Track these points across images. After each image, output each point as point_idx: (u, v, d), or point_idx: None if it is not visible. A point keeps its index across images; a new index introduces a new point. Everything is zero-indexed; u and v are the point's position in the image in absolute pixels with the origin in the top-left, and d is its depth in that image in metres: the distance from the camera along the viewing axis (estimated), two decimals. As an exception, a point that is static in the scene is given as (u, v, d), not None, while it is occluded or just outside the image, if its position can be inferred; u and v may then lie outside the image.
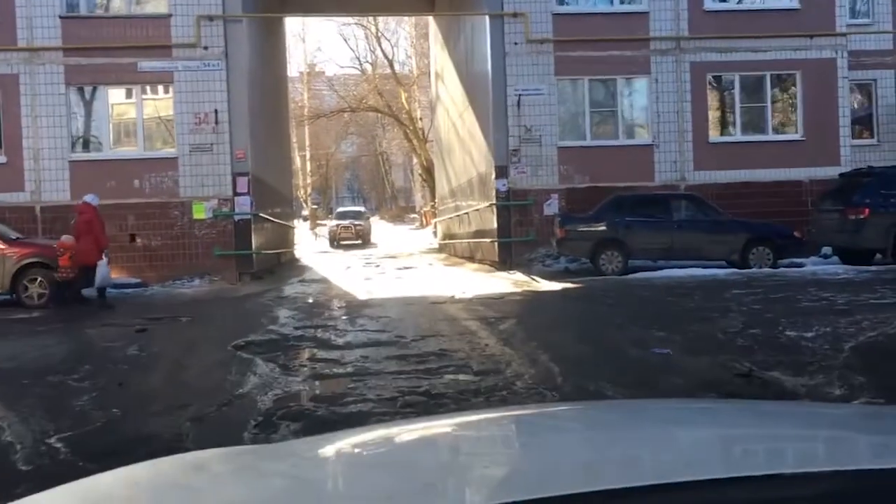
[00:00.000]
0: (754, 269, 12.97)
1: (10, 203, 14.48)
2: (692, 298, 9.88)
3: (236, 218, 15.09)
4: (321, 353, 7.10)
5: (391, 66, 40.22)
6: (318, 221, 42.62)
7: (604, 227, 13.56)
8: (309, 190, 49.68)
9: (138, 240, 14.76)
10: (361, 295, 11.96)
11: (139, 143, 15.26)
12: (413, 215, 55.87)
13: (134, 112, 15.30)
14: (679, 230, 13.39)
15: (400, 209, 62.97)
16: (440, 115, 26.05)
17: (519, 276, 14.13)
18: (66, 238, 11.85)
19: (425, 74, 37.45)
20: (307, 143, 48.33)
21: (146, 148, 15.27)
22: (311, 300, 11.57)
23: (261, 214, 16.12)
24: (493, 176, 15.88)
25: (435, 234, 30.22)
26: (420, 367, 6.31)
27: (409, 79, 41.33)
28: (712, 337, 7.28)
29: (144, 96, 15.31)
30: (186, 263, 14.81)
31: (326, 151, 56.59)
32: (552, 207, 15.67)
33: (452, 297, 11.25)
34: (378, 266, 19.41)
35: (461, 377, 6.01)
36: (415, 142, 38.68)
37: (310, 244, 33.13)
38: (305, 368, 6.43)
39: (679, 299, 9.88)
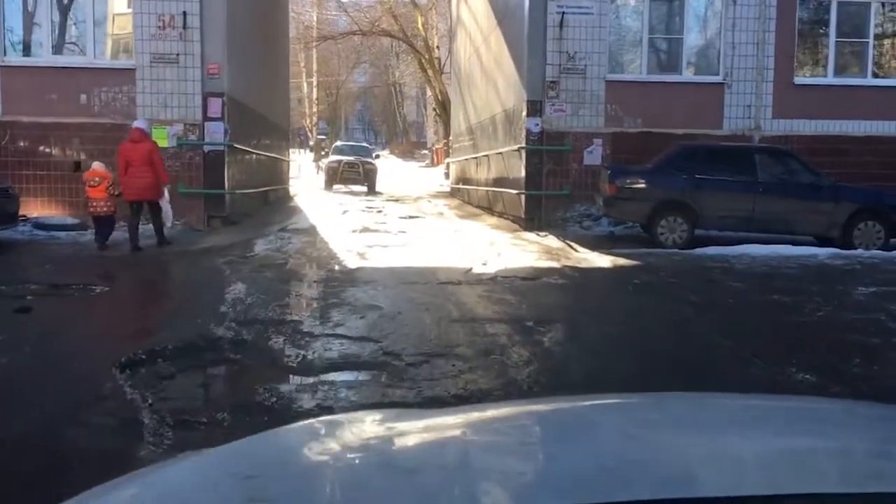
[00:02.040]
0: (860, 251, 10.01)
1: (-78, 116, 11.59)
2: (811, 298, 6.97)
3: (206, 149, 12.20)
4: (256, 389, 4.29)
5: (408, -14, 36.41)
6: (324, 153, 39.51)
7: (667, 186, 10.55)
8: (315, 119, 46.30)
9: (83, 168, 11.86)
10: (351, 260, 9.10)
11: (88, 50, 12.25)
12: (424, 152, 52.73)
13: (84, 9, 12.25)
14: (764, 194, 10.35)
15: (411, 144, 59.73)
16: (460, 40, 22.75)
17: (552, 240, 11.24)
18: (98, 165, 10.15)
19: (445, -2, 33.86)
20: (315, 68, 44.85)
21: (97, 55, 12.29)
22: (282, 265, 8.72)
23: (237, 146, 13.15)
24: (524, 113, 12.83)
25: (447, 175, 27.26)
26: (418, 443, 3.51)
27: (426, 3, 37.58)
28: (903, 393, 4.45)
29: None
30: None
31: (336, 79, 52.93)
32: (594, 156, 12.70)
33: (469, 270, 8.41)
34: (380, 212, 16.52)
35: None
36: (430, 72, 35.20)
37: (313, 178, 30.30)
38: (215, 432, 3.63)
39: (791, 298, 6.98)
